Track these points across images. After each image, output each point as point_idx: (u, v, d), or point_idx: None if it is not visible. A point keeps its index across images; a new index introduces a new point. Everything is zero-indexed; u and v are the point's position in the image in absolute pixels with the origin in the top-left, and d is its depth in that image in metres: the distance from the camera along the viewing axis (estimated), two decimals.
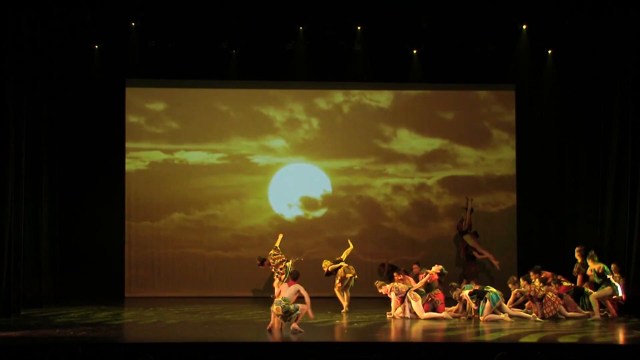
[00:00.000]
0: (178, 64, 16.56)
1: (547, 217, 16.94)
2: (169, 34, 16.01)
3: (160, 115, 17.12)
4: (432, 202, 17.36)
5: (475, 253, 16.26)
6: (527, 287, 13.37)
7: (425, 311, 13.24)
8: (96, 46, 16.23)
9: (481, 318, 12.85)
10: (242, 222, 17.08)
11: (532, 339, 11.04)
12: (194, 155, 17.11)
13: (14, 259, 13.05)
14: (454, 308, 13.59)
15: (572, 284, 13.97)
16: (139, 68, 16.56)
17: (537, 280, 13.72)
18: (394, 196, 17.33)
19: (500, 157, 17.46)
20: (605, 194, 14.99)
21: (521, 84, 17.26)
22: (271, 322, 11.67)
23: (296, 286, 11.72)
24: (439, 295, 13.51)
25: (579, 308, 13.52)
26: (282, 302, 11.43)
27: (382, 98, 17.43)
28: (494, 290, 13.07)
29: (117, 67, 16.52)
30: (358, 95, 17.41)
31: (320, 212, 17.27)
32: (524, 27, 16.14)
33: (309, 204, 17.27)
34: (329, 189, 17.31)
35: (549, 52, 16.71)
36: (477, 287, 13.28)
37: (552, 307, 13.18)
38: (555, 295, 13.32)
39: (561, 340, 10.93)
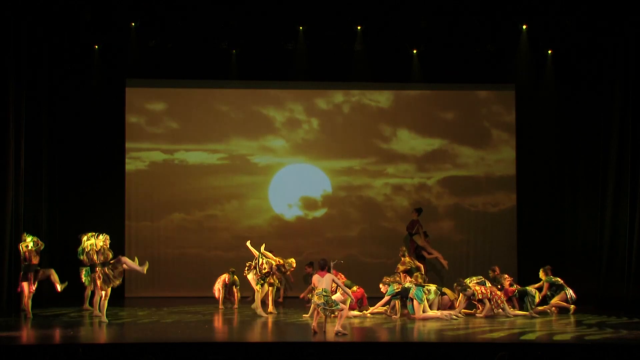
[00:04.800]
0: (178, 64, 16.57)
1: (547, 217, 16.92)
2: (169, 34, 16.01)
3: (160, 115, 17.12)
4: (432, 202, 17.36)
5: (424, 253, 16.24)
6: (482, 289, 13.38)
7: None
8: (96, 46, 16.23)
9: (415, 317, 12.86)
10: (242, 222, 17.07)
11: (532, 338, 11.03)
12: (194, 156, 17.11)
13: (15, 259, 13.06)
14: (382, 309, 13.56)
15: (517, 286, 14.16)
16: (139, 68, 16.56)
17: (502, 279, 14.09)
18: (394, 196, 17.33)
19: (500, 157, 17.47)
20: (605, 194, 14.99)
21: (521, 84, 17.27)
22: (314, 322, 11.35)
23: (329, 275, 11.42)
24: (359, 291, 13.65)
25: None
26: (323, 292, 11.25)
27: (382, 98, 17.43)
28: (420, 287, 13.06)
29: (117, 67, 16.53)
30: (358, 96, 17.41)
31: (320, 212, 17.27)
32: (524, 27, 16.14)
33: (309, 204, 17.27)
34: (329, 189, 17.31)
35: (549, 52, 16.72)
36: (399, 289, 13.21)
37: (496, 304, 13.32)
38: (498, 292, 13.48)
39: (562, 339, 10.93)
